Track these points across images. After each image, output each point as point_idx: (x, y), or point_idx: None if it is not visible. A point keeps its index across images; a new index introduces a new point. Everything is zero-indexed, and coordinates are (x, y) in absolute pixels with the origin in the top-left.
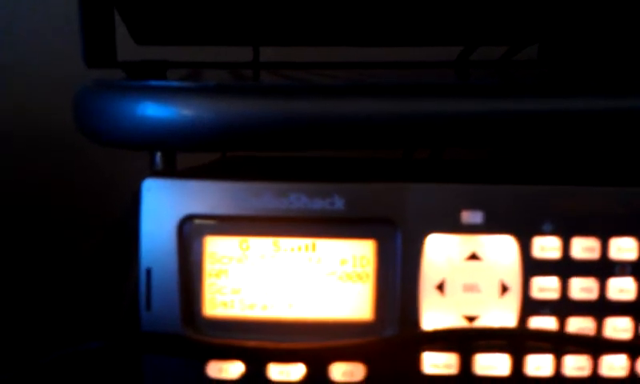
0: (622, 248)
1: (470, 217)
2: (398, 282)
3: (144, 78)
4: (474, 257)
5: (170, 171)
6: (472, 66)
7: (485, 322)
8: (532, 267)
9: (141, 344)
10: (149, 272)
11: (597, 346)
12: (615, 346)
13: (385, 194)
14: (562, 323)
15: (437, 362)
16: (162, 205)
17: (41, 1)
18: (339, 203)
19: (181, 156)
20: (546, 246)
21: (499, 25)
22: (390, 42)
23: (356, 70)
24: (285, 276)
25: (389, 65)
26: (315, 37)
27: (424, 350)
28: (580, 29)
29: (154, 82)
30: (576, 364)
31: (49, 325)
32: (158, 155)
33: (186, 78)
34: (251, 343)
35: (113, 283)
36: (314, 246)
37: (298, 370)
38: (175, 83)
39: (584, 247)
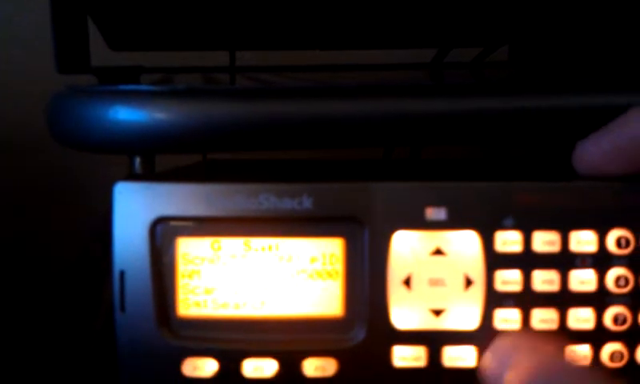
0: (581, 241)
1: (434, 213)
2: (366, 279)
3: (117, 83)
4: (438, 252)
5: (147, 174)
6: (446, 68)
7: (451, 314)
8: (495, 261)
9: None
10: (122, 274)
11: (561, 338)
12: (579, 337)
13: (352, 193)
14: (526, 315)
15: (406, 356)
16: (134, 207)
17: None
18: (307, 203)
19: (165, 159)
20: (508, 240)
21: (471, 28)
22: (365, 44)
23: (329, 73)
24: (256, 275)
25: (366, 67)
26: (291, 40)
27: (394, 344)
28: (547, 30)
29: (125, 87)
30: None
31: (28, 330)
32: (137, 159)
33: (159, 82)
34: (224, 341)
35: (91, 288)
36: (284, 245)
37: (271, 366)
38: (146, 87)
39: (545, 241)
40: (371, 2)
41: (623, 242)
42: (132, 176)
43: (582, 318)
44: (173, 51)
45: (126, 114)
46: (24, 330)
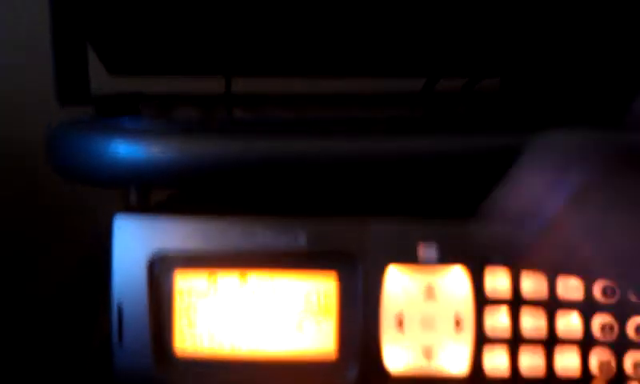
0: (568, 287)
1: (426, 250)
2: (359, 314)
3: (116, 112)
4: (430, 291)
5: (145, 207)
6: (435, 97)
7: (441, 353)
8: (484, 299)
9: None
10: (120, 307)
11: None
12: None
13: (345, 229)
14: (514, 355)
15: None
16: (133, 241)
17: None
18: (302, 238)
19: None
20: (497, 279)
21: (461, 59)
22: (357, 72)
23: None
24: (251, 308)
25: (357, 98)
26: (285, 67)
27: None
28: (536, 64)
29: (123, 123)
30: None
31: (25, 349)
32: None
33: (157, 111)
34: (219, 378)
35: (85, 317)
36: (279, 279)
37: None
38: (144, 124)
39: (532, 280)
40: (363, 31)
41: (609, 290)
42: (130, 209)
43: (567, 358)
44: (170, 76)
45: (124, 150)
46: (20, 349)
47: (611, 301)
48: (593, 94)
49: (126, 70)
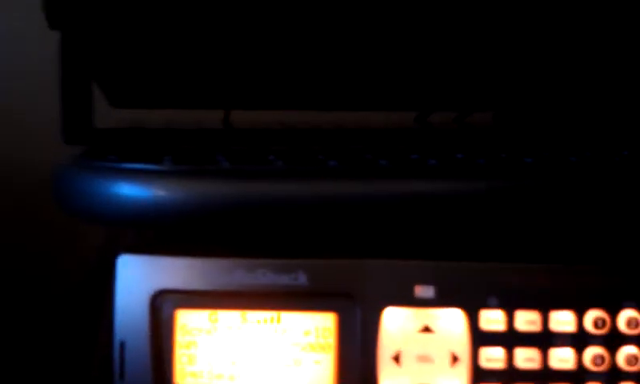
0: (561, 321)
1: (422, 291)
2: (357, 353)
3: (118, 149)
4: (426, 329)
5: (148, 246)
6: (427, 130)
7: None
8: (480, 338)
9: None
10: (122, 345)
11: None
12: None
13: (344, 270)
14: None
15: None
16: (136, 280)
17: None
18: (303, 278)
19: None
20: (492, 319)
21: (453, 93)
22: (350, 106)
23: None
24: (251, 347)
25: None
26: (280, 101)
27: None
28: (529, 100)
29: (128, 165)
30: None
31: (26, 363)
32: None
33: (158, 146)
34: None
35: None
36: (279, 318)
37: None
38: (148, 166)
39: (527, 320)
40: (358, 66)
41: (600, 322)
42: (133, 248)
43: None
44: (170, 109)
45: (129, 191)
46: (21, 364)
47: (602, 332)
48: (588, 125)
49: (128, 103)
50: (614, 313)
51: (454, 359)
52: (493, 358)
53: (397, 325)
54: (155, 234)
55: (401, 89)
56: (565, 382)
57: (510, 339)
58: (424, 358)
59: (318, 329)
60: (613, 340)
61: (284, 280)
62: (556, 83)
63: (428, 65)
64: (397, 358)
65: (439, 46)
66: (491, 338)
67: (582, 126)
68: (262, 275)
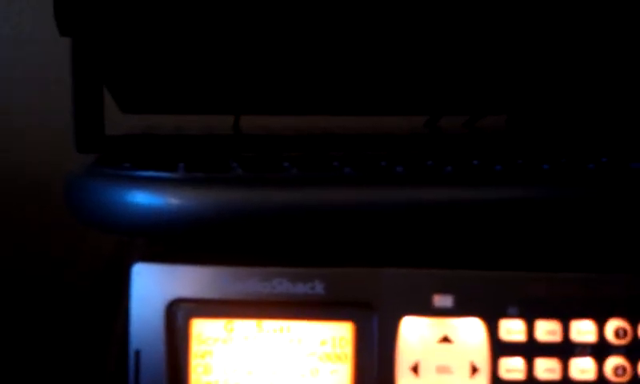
0: (581, 331)
1: (441, 301)
2: (375, 363)
3: (130, 156)
4: (445, 339)
5: (163, 255)
6: (438, 135)
7: None
8: (499, 349)
9: None
10: (137, 354)
11: None
12: None
13: (362, 279)
14: None
15: None
16: (151, 288)
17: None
18: (320, 287)
19: None
20: (512, 329)
21: (465, 97)
22: (361, 111)
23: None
24: (268, 356)
25: (361, 137)
26: (290, 106)
27: None
28: (543, 103)
29: (142, 173)
30: None
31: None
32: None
33: (169, 153)
34: None
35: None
36: (295, 327)
37: None
38: (163, 174)
39: (547, 330)
40: (368, 70)
41: (621, 332)
42: (148, 257)
43: None
44: (180, 115)
45: (143, 200)
46: (31, 368)
47: (623, 342)
48: (599, 130)
49: (139, 109)
50: (635, 322)
51: (474, 370)
52: (513, 368)
53: (415, 335)
54: (170, 242)
55: (411, 92)
56: None
57: (530, 349)
58: (443, 369)
59: (334, 338)
60: (634, 350)
61: (300, 289)
62: (571, 85)
63: (440, 68)
64: (415, 369)
65: (452, 48)
66: (511, 349)
67: (593, 131)
68: (279, 284)
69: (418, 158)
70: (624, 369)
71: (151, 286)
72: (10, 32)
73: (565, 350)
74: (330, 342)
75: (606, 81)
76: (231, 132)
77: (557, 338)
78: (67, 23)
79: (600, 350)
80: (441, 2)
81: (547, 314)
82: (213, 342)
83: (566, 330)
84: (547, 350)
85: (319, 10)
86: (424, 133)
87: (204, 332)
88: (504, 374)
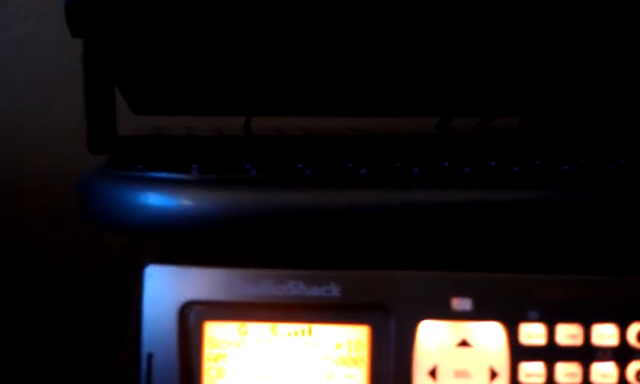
0: (603, 334)
1: (459, 304)
2: (391, 367)
3: (142, 157)
4: (464, 343)
5: (176, 257)
6: (451, 136)
7: None
8: (519, 353)
9: None
10: (150, 357)
11: None
12: None
13: (379, 282)
14: None
15: None
16: (164, 291)
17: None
18: (335, 290)
19: None
20: (532, 333)
21: (478, 98)
22: (374, 112)
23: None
24: (282, 360)
25: (374, 138)
26: (302, 107)
27: None
28: (555, 103)
29: (156, 174)
30: None
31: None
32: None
33: (181, 154)
34: None
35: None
36: (310, 330)
37: None
38: (177, 175)
39: (568, 334)
40: (380, 71)
41: None
42: (161, 259)
43: None
44: (191, 116)
45: (156, 201)
46: (42, 368)
47: None
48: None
49: (151, 110)
50: None
51: (493, 374)
52: (533, 373)
53: (433, 338)
54: (183, 243)
55: (423, 93)
56: None
57: (551, 354)
58: (461, 373)
59: (350, 342)
60: None
61: (316, 292)
62: (585, 85)
63: (452, 68)
64: (433, 373)
65: (463, 48)
66: (531, 353)
67: (606, 131)
68: (294, 287)
69: (433, 159)
70: None
71: (164, 287)
72: (16, 35)
73: (586, 354)
74: (346, 345)
75: (618, 79)
76: (241, 133)
77: (578, 341)
78: (79, 24)
79: (622, 354)
80: (453, 4)
81: (568, 318)
82: (226, 345)
83: (587, 334)
84: (568, 354)
85: (330, 12)
86: (436, 134)
87: (217, 335)
88: (524, 378)
